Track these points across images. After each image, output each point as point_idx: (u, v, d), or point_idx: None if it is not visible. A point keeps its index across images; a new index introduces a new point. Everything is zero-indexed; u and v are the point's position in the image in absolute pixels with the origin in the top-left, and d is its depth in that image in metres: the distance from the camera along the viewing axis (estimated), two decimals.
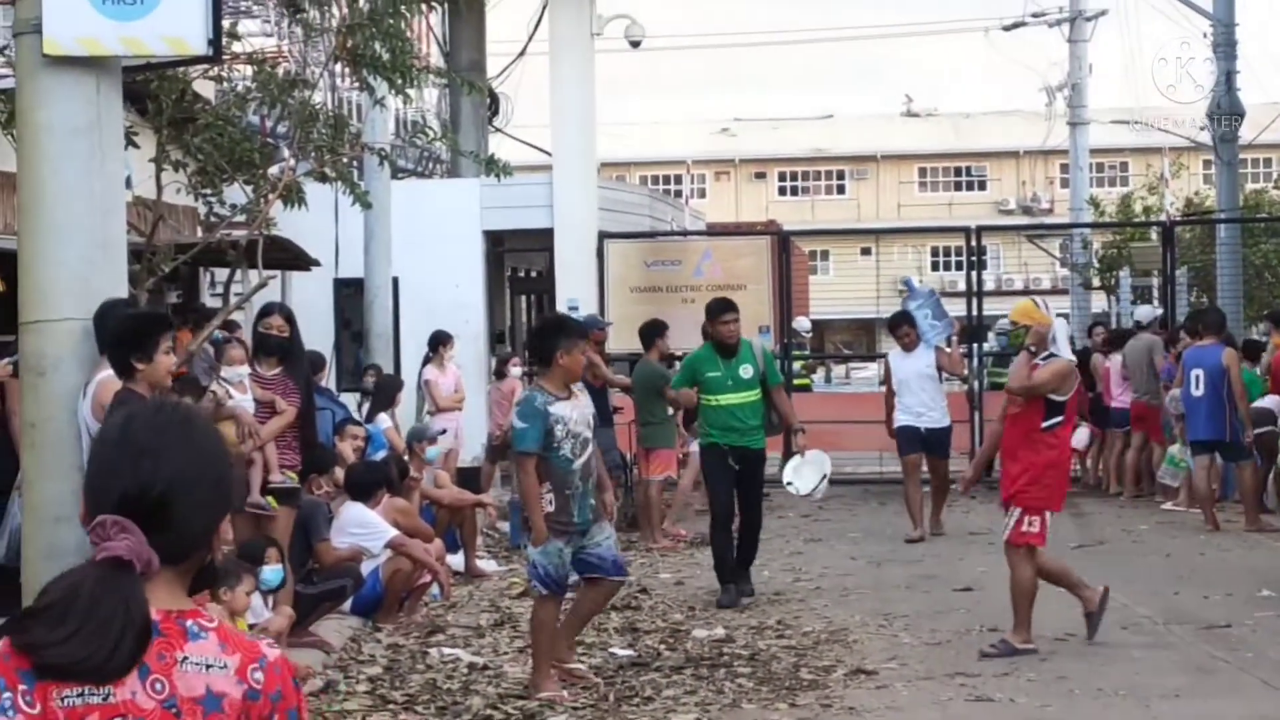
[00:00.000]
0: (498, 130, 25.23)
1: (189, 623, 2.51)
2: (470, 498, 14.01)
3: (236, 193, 12.49)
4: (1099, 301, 34.44)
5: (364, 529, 11.14)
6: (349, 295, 19.46)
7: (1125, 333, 20.39)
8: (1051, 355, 9.94)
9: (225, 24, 10.29)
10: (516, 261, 24.09)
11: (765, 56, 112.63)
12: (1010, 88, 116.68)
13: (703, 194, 62.25)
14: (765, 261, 20.70)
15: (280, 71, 12.50)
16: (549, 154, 21.69)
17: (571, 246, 20.33)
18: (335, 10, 11.80)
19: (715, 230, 29.06)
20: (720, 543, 12.23)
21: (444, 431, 15.35)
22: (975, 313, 20.63)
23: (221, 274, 16.15)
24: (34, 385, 7.51)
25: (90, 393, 7.24)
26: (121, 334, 7.23)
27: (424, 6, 14.03)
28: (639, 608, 11.76)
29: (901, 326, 15.68)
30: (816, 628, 10.97)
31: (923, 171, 66.19)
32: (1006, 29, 38.22)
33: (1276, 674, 9.30)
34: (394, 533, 11.22)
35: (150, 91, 11.48)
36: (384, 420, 14.56)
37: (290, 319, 10.54)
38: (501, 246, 22.23)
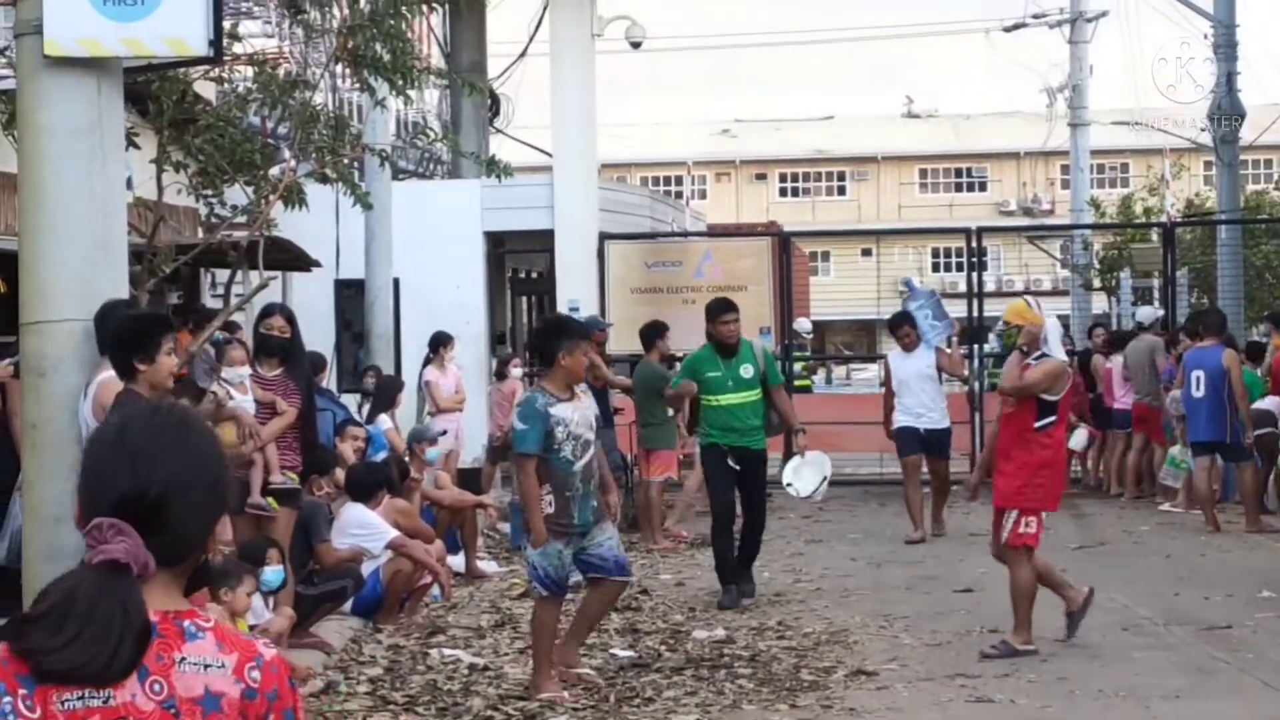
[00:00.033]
0: (498, 131, 25.24)
1: (186, 623, 2.51)
2: (471, 499, 14.01)
3: (237, 194, 12.49)
4: (1100, 303, 34.43)
5: (365, 530, 11.15)
6: (350, 296, 19.46)
7: (1126, 334, 20.39)
8: (1043, 355, 9.94)
9: (226, 25, 10.28)
10: (517, 262, 24.10)
11: (766, 58, 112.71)
12: (1011, 89, 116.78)
13: (703, 195, 62.26)
14: (766, 262, 20.70)
15: (281, 72, 12.50)
16: (550, 155, 21.69)
17: (572, 247, 20.33)
18: (336, 11, 11.79)
19: (716, 231, 29.07)
20: (721, 544, 12.22)
21: (444, 433, 15.35)
22: (976, 314, 20.63)
23: (222, 275, 16.17)
24: (35, 386, 7.51)
25: (91, 394, 7.24)
26: (123, 335, 7.23)
27: (425, 7, 14.01)
28: (639, 609, 11.76)
29: (902, 327, 15.68)
30: (817, 629, 10.97)
31: (923, 173, 66.20)
32: (1007, 30, 38.22)
33: (1277, 675, 9.30)
34: (395, 534, 11.23)
35: (151, 92, 11.48)
36: (384, 421, 14.56)
37: (291, 320, 10.55)
38: (502, 247, 22.24)
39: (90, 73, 7.39)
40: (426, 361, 17.21)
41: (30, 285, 7.49)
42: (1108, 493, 19.03)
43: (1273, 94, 55.20)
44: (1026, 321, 10.02)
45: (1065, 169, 44.51)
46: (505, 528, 15.69)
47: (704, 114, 68.54)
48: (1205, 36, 25.55)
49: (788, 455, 13.72)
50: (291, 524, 10.21)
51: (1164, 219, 31.27)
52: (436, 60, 21.50)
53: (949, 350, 15.97)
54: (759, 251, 21.11)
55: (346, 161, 12.96)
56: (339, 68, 12.44)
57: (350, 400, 16.13)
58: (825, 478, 12.71)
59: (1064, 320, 36.10)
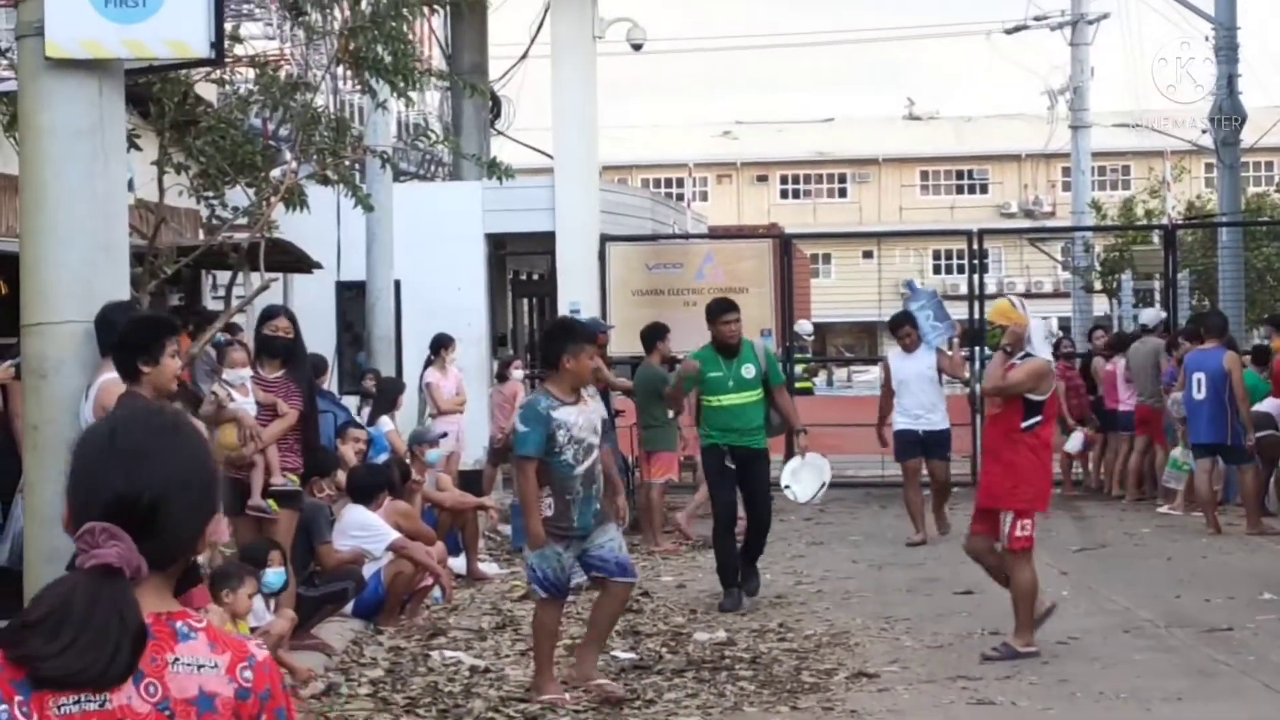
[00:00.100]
0: (499, 133, 25.24)
1: (178, 624, 2.51)
2: (472, 501, 14.01)
3: (238, 195, 12.50)
4: (1101, 305, 34.43)
5: (366, 532, 11.15)
6: (351, 298, 19.47)
7: (1128, 336, 20.40)
8: (1028, 355, 9.93)
9: (227, 27, 10.29)
10: (518, 264, 24.10)
11: (767, 59, 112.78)
12: (1012, 91, 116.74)
13: (704, 197, 62.24)
14: (767, 264, 20.70)
15: (282, 74, 12.50)
16: (551, 157, 21.69)
17: (573, 249, 20.33)
18: (337, 13, 11.80)
19: (717, 233, 29.07)
20: (723, 546, 12.22)
21: (445, 435, 15.35)
22: (977, 316, 20.62)
23: (223, 277, 16.17)
24: (36, 388, 7.52)
25: (93, 395, 7.24)
26: (128, 337, 7.23)
27: (426, 9, 14.02)
28: (640, 610, 11.76)
29: (903, 327, 15.66)
30: (818, 631, 10.97)
31: (924, 175, 66.19)
32: (1008, 32, 38.19)
33: (1278, 677, 9.29)
34: (396, 535, 11.23)
35: (152, 94, 11.49)
36: (386, 423, 14.56)
37: (293, 321, 10.55)
38: (503, 249, 22.24)
39: (92, 74, 7.39)
40: (427, 363, 17.21)
41: (32, 287, 7.50)
42: (1109, 495, 19.03)
43: (1273, 95, 55.15)
44: (1011, 321, 10.01)
45: (1066, 171, 44.47)
46: (506, 529, 15.69)
47: (705, 116, 68.61)
48: (1206, 38, 25.55)
49: (789, 456, 13.72)
50: (293, 526, 10.21)
51: (1165, 221, 31.26)
52: (438, 62, 21.51)
53: (950, 352, 15.96)
54: (760, 253, 21.11)
55: (348, 163, 12.96)
56: (340, 70, 12.44)
57: (350, 402, 16.13)
58: (824, 483, 12.70)
59: (1065, 323, 36.17)
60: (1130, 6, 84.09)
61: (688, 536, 15.37)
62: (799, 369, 22.37)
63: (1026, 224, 56.86)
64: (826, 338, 46.50)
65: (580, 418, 8.97)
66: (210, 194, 12.29)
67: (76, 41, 7.26)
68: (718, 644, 10.54)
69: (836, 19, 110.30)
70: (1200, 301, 27.45)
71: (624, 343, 18.11)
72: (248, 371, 10.17)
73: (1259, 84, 79.25)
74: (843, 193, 66.05)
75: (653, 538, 15.30)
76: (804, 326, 25.77)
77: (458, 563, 13.33)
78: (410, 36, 12.28)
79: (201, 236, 14.42)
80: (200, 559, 9.06)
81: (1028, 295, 48.80)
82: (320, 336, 16.61)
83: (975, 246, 21.52)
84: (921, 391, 15.46)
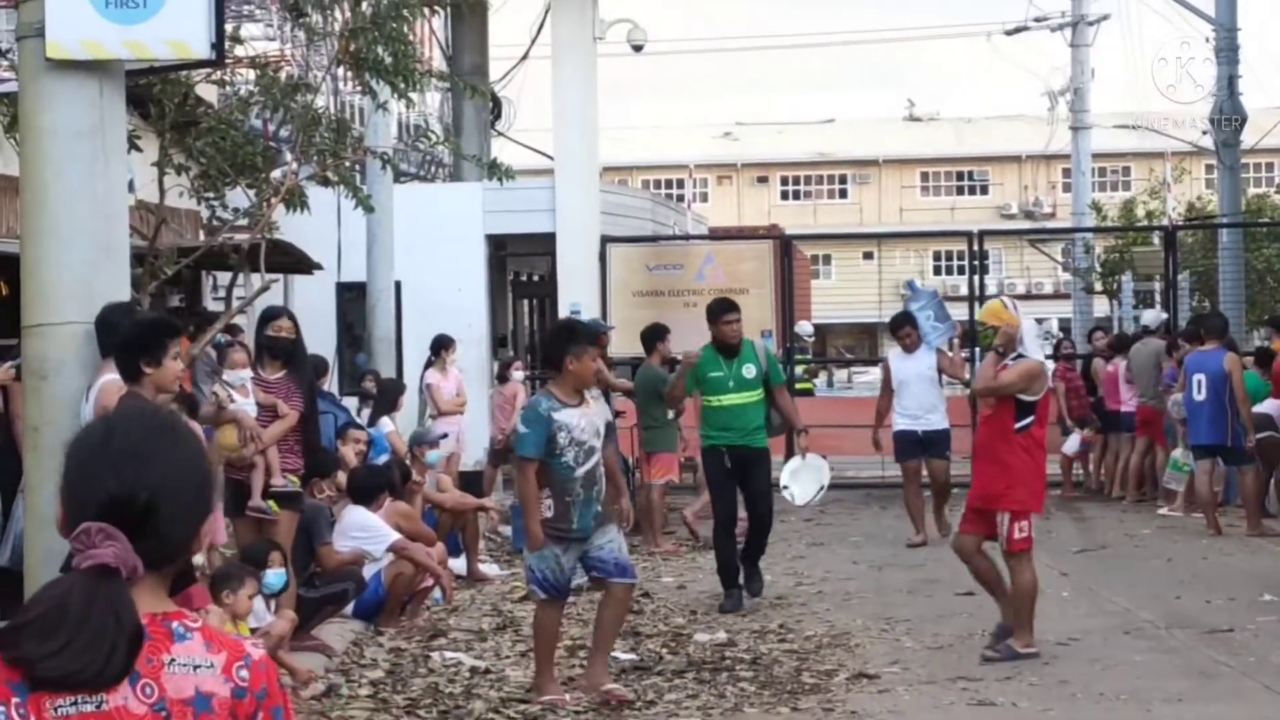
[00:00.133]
0: (500, 134, 25.25)
1: (174, 624, 2.51)
2: (472, 501, 14.02)
3: (239, 196, 12.51)
4: (1101, 306, 34.42)
5: (366, 533, 11.15)
6: (351, 299, 19.48)
7: (1129, 337, 20.40)
8: (1020, 356, 9.93)
9: (228, 28, 10.30)
10: (519, 265, 24.09)
11: (767, 60, 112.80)
12: (1012, 92, 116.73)
13: (705, 198, 62.23)
14: (767, 266, 20.70)
15: (283, 75, 12.51)
16: (551, 158, 21.70)
17: (574, 250, 20.33)
18: (338, 14, 11.81)
19: (717, 234, 29.06)
20: (723, 547, 12.22)
21: (445, 436, 15.35)
22: (977, 317, 20.60)
23: (224, 278, 16.18)
24: (36, 389, 7.52)
25: (93, 396, 7.24)
26: (131, 337, 7.24)
27: (427, 10, 14.03)
28: (641, 611, 11.76)
29: (903, 327, 15.64)
30: (818, 632, 10.97)
31: (925, 176, 66.19)
32: (1009, 33, 38.17)
33: (1278, 678, 9.29)
34: (396, 536, 11.23)
35: (153, 95, 11.50)
36: (386, 424, 14.56)
37: (293, 322, 10.55)
38: (504, 250, 22.24)
39: (92, 75, 7.40)
40: (428, 364, 17.22)
41: (32, 288, 7.50)
42: (1109, 496, 19.02)
43: (1274, 96, 55.23)
44: (1003, 322, 10.00)
45: (1067, 172, 44.46)
46: (507, 530, 15.69)
47: (705, 117, 68.61)
48: (1207, 39, 25.56)
49: (789, 456, 13.71)
50: (293, 527, 10.21)
51: (1165, 222, 31.26)
52: (438, 63, 21.50)
53: (950, 353, 15.95)
54: (760, 254, 21.11)
55: (348, 164, 12.98)
56: (341, 71, 12.45)
57: (349, 403, 16.14)
58: (822, 487, 12.70)
59: (1065, 324, 36.17)
60: (1130, 8, 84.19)
61: (695, 534, 15.37)
62: (799, 370, 22.37)
63: (1027, 225, 56.88)
64: (827, 339, 46.49)
65: (582, 420, 8.94)
66: (211, 195, 12.29)
67: (77, 42, 7.26)
68: (718, 645, 10.54)
69: (837, 20, 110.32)
70: (1200, 303, 27.43)
71: (624, 344, 18.11)
72: (248, 372, 10.17)
73: (1259, 85, 79.31)
74: (843, 194, 66.05)
75: (653, 539, 15.30)
76: (804, 328, 25.79)
77: (458, 564, 13.33)
78: (411, 38, 12.29)
79: (202, 237, 14.43)
80: (200, 560, 9.07)
81: (1028, 296, 48.89)
82: (321, 337, 16.61)
83: (975, 248, 21.52)
84: (921, 392, 15.45)
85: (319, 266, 17.06)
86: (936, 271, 54.73)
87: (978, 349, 20.21)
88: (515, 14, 25.69)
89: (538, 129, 25.24)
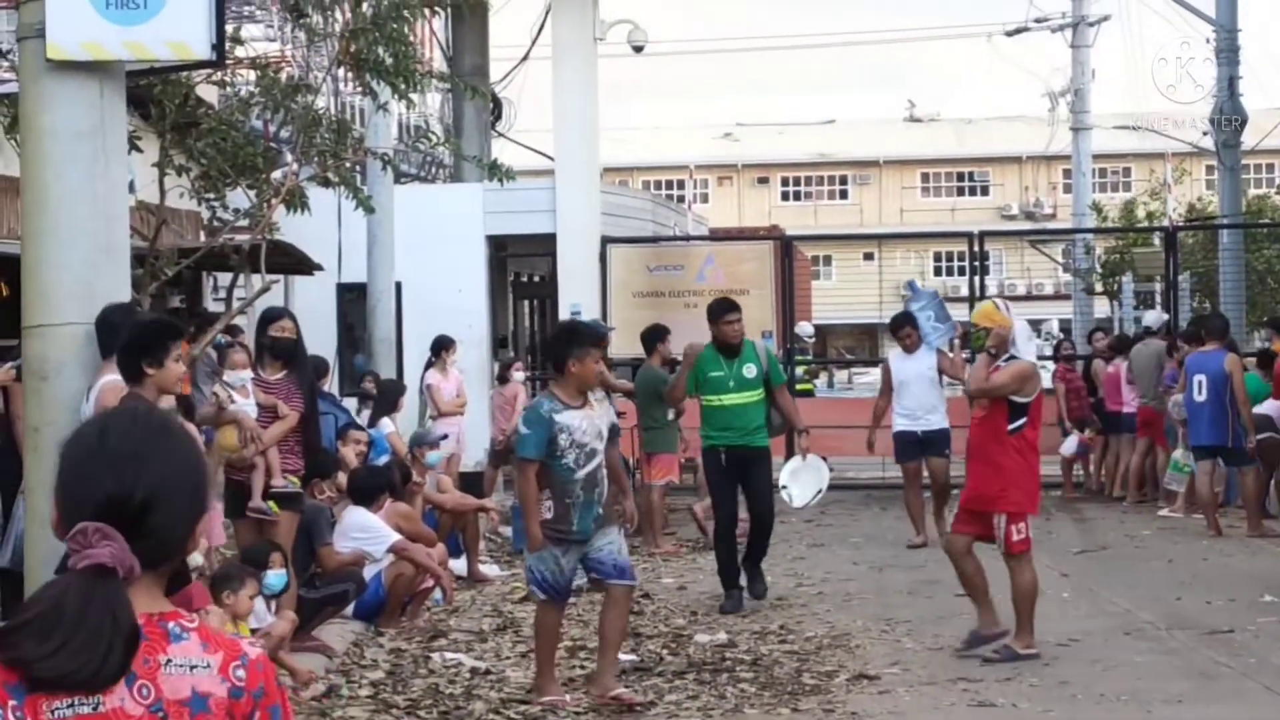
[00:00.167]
0: (500, 135, 25.25)
1: (170, 624, 2.50)
2: (473, 502, 14.02)
3: (239, 197, 12.51)
4: (1102, 307, 34.42)
5: (366, 533, 11.15)
6: (352, 300, 19.49)
7: (1130, 338, 20.39)
8: (1012, 357, 9.92)
9: (228, 29, 10.31)
10: (519, 266, 24.10)
11: (768, 61, 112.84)
12: (1013, 93, 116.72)
13: (705, 199, 62.24)
14: (768, 266, 20.70)
15: (283, 76, 12.52)
16: (551, 159, 21.71)
17: (574, 251, 20.34)
18: (338, 15, 11.82)
19: (718, 235, 29.06)
20: (723, 548, 12.23)
21: (445, 437, 15.35)
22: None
23: (224, 278, 16.19)
24: (37, 389, 7.52)
25: (94, 397, 7.24)
26: (134, 338, 7.25)
27: (427, 11, 14.03)
28: (641, 612, 11.75)
29: (904, 327, 15.63)
30: (819, 633, 10.97)
31: (925, 177, 66.18)
32: (1009, 34, 38.17)
33: (1279, 680, 9.29)
34: (396, 537, 11.23)
35: (154, 96, 11.51)
36: (386, 425, 14.56)
37: (294, 323, 10.55)
38: (504, 251, 22.24)
39: (93, 76, 7.40)
40: (428, 365, 17.22)
41: (32, 288, 7.50)
42: (1110, 497, 19.02)
43: (1274, 97, 55.19)
44: (995, 323, 10.00)
45: (1067, 173, 44.49)
46: (507, 531, 15.69)
47: (706, 118, 68.59)
48: (1207, 40, 25.56)
49: (789, 456, 13.70)
50: (293, 528, 10.21)
51: (1166, 223, 31.25)
52: (439, 64, 21.51)
53: (951, 353, 15.94)
54: (761, 255, 21.11)
55: (348, 165, 12.98)
56: (341, 71, 12.46)
57: (348, 404, 16.14)
58: (820, 490, 12.69)
59: (1065, 325, 36.14)
60: (1131, 9, 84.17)
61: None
62: (800, 371, 22.37)
63: (1027, 226, 56.90)
64: (827, 339, 46.48)
65: (584, 422, 8.90)
66: (211, 196, 12.30)
67: (78, 43, 7.26)
68: (718, 646, 10.54)
69: (837, 21, 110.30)
70: (1201, 304, 27.43)
71: (625, 344, 18.11)
72: (248, 373, 10.18)
73: (1260, 86, 79.25)
74: (843, 194, 66.04)
75: (653, 540, 15.29)
76: (805, 328, 25.78)
77: (459, 564, 13.33)
78: (411, 38, 12.30)
79: (202, 238, 14.43)
80: (200, 561, 9.07)
81: (1029, 297, 48.92)
82: (321, 338, 16.62)
83: (976, 248, 21.52)
84: (921, 392, 15.43)
85: (319, 267, 17.07)
86: (937, 272, 54.71)
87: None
88: (516, 15, 25.76)
89: (538, 130, 25.25)
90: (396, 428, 14.79)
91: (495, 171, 14.17)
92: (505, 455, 16.52)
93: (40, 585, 2.52)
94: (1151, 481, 18.39)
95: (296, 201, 11.61)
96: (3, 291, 13.42)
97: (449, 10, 20.55)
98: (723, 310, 12.40)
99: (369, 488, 11.50)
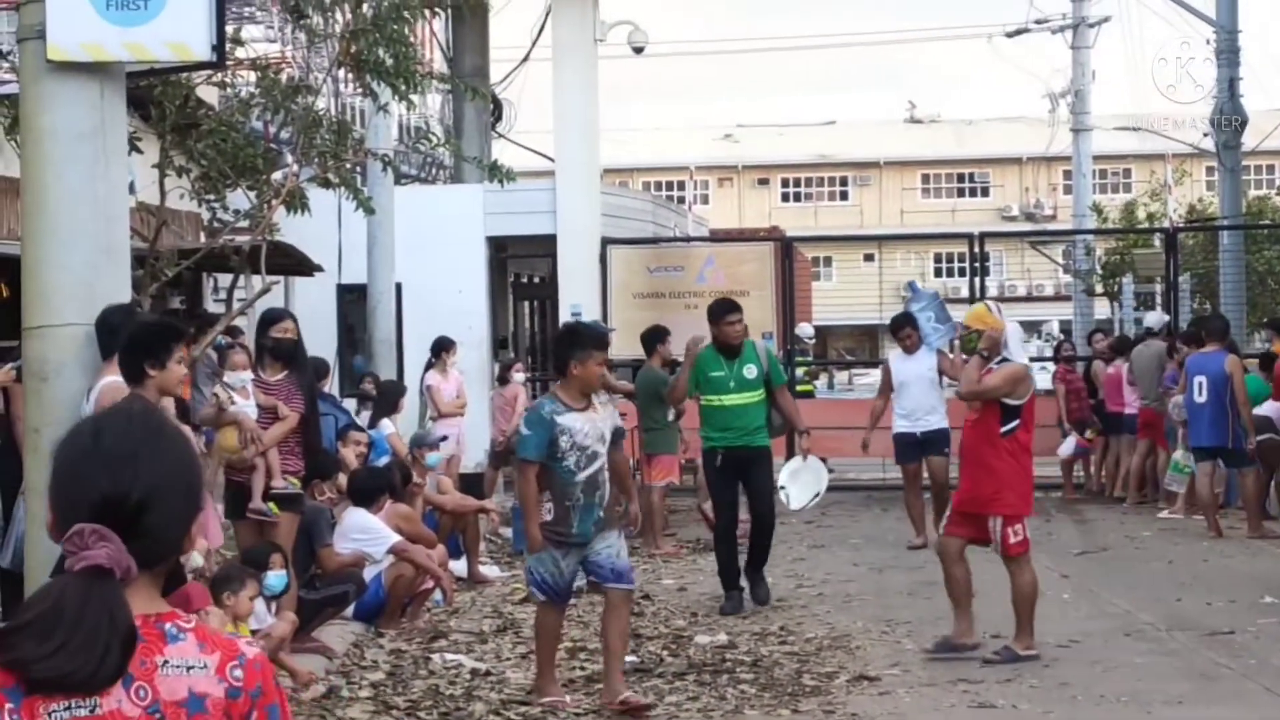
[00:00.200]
0: (501, 136, 25.26)
1: (167, 625, 2.50)
2: (473, 503, 14.01)
3: (240, 198, 12.52)
4: (1102, 308, 34.42)
5: (367, 534, 11.15)
6: (352, 301, 19.49)
7: (1131, 339, 20.39)
8: (1004, 360, 9.92)
9: (229, 30, 10.32)
10: (519, 267, 24.11)
11: (768, 62, 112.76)
12: (1013, 94, 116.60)
13: (706, 200, 62.23)
14: (768, 267, 20.71)
15: (284, 77, 12.52)
16: (552, 160, 21.71)
17: (574, 252, 20.34)
18: (339, 16, 11.82)
19: (718, 236, 29.06)
20: (723, 549, 12.23)
21: (445, 438, 15.35)
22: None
23: (225, 279, 16.19)
24: (37, 390, 7.52)
25: (94, 398, 7.24)
26: (138, 339, 7.25)
27: (427, 12, 14.04)
28: (641, 614, 11.75)
29: (904, 328, 15.62)
30: (819, 634, 10.97)
31: (926, 178, 66.18)
32: (1009, 35, 38.17)
33: (1279, 681, 9.29)
34: (397, 538, 11.23)
35: (154, 97, 11.51)
36: (387, 426, 14.56)
37: (295, 324, 10.55)
38: (504, 252, 22.25)
39: (93, 77, 7.40)
40: (428, 366, 17.22)
41: (33, 289, 7.50)
42: (1110, 498, 19.02)
43: (1275, 98, 55.12)
44: (987, 326, 10.00)
45: (1068, 174, 44.49)
46: (507, 532, 15.69)
47: (706, 119, 68.46)
48: (1208, 41, 25.56)
49: (790, 456, 13.70)
50: (294, 529, 10.20)
51: (1166, 224, 31.26)
52: (439, 65, 21.53)
53: (951, 354, 15.92)
54: (761, 256, 21.12)
55: (349, 166, 12.99)
56: (342, 72, 12.46)
57: (348, 405, 16.14)
58: (817, 494, 12.68)
59: (1066, 326, 36.12)
60: (1131, 10, 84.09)
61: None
62: (800, 372, 22.37)
63: (1028, 227, 56.89)
64: (827, 341, 46.49)
65: (586, 425, 8.86)
66: (211, 197, 12.30)
67: (78, 44, 7.26)
68: (719, 647, 10.54)
69: (837, 22, 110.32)
70: (1201, 305, 27.44)
71: (625, 346, 18.11)
72: (249, 374, 10.18)
73: (1260, 87, 79.11)
74: (844, 196, 66.04)
75: (654, 541, 15.29)
76: (805, 329, 25.75)
77: (459, 565, 13.33)
78: (411, 39, 12.30)
79: (203, 239, 14.44)
80: (200, 562, 9.07)
81: (1029, 299, 48.90)
82: (321, 339, 16.63)
83: (976, 250, 21.52)
84: (921, 393, 15.43)
85: (320, 268, 17.07)
86: (937, 273, 54.69)
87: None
88: (516, 16, 25.76)
89: (538, 131, 25.25)
90: (396, 429, 14.79)
91: (495, 172, 14.17)
92: (505, 456, 16.52)
93: (40, 586, 2.51)
94: (1152, 483, 18.39)
95: (297, 203, 11.61)
96: (3, 292, 13.43)
97: (449, 11, 20.58)
98: (724, 311, 12.40)
99: (369, 489, 11.50)
